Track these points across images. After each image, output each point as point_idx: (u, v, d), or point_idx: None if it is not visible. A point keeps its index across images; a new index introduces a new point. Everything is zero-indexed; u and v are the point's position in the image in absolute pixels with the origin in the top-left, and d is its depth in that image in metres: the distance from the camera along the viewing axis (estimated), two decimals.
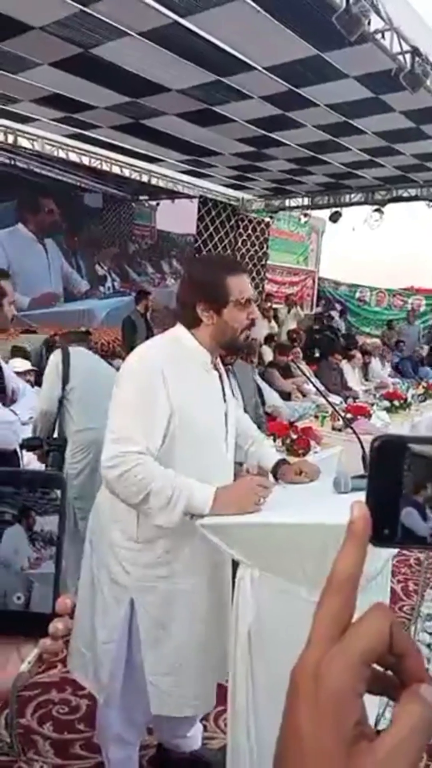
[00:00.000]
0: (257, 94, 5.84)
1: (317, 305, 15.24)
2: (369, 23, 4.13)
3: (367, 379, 8.60)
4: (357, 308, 15.81)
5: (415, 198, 9.49)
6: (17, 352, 6.06)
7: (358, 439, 2.07)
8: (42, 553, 0.54)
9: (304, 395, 6.91)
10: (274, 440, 3.68)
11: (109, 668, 1.79)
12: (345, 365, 8.00)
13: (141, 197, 10.70)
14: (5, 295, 2.26)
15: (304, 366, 7.09)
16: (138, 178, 9.56)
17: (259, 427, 2.62)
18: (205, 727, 2.25)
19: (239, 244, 11.73)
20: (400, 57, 4.64)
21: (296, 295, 13.87)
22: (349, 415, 4.82)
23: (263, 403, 3.91)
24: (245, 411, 2.64)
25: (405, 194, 9.51)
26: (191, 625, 1.76)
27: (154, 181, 9.78)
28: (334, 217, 10.28)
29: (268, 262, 12.77)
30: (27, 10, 4.46)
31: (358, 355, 8.52)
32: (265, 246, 12.39)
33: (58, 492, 0.55)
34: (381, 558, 1.53)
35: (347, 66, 5.02)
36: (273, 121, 6.63)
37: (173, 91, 5.91)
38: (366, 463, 1.95)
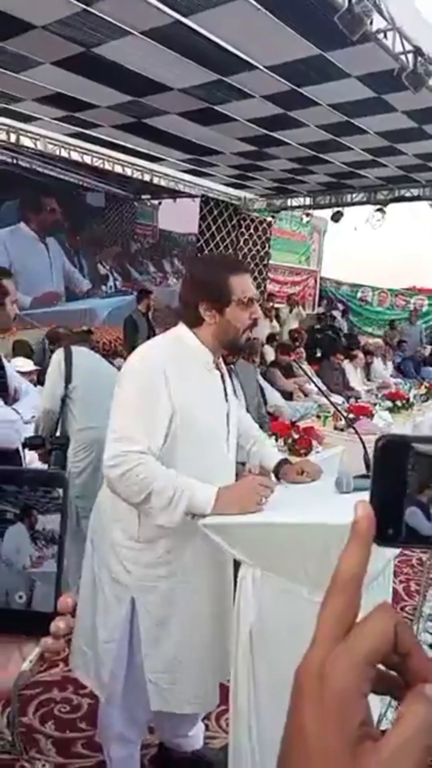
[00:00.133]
0: (259, 93, 5.84)
1: (319, 305, 15.24)
2: (371, 23, 4.13)
3: (369, 379, 8.60)
4: (359, 308, 15.80)
5: (418, 198, 9.48)
6: (20, 347, 6.06)
7: (360, 439, 2.07)
8: (44, 551, 0.54)
9: (306, 395, 6.91)
10: (276, 440, 3.68)
11: (111, 667, 1.79)
12: (347, 365, 8.00)
13: (143, 196, 10.71)
14: (7, 294, 2.26)
15: (306, 366, 7.09)
16: (140, 177, 9.57)
17: (262, 427, 2.62)
18: (206, 726, 2.25)
19: (241, 243, 11.72)
20: (403, 57, 4.63)
21: (298, 294, 13.87)
22: (351, 415, 4.82)
23: (265, 402, 3.91)
24: (247, 411, 2.64)
25: (407, 194, 9.50)
26: (192, 624, 1.76)
27: (156, 181, 9.78)
28: (336, 217, 10.27)
29: (270, 261, 12.77)
30: (29, 9, 4.46)
31: (360, 355, 8.52)
32: (267, 245, 12.38)
33: (60, 491, 0.55)
34: (384, 558, 1.53)
35: (349, 65, 5.01)
36: (275, 121, 6.62)
37: (175, 90, 5.91)
38: (368, 463, 1.95)
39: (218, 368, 1.86)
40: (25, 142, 8.05)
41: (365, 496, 0.41)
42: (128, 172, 9.39)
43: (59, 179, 9.19)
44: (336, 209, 10.24)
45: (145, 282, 10.56)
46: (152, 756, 2.17)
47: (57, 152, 8.39)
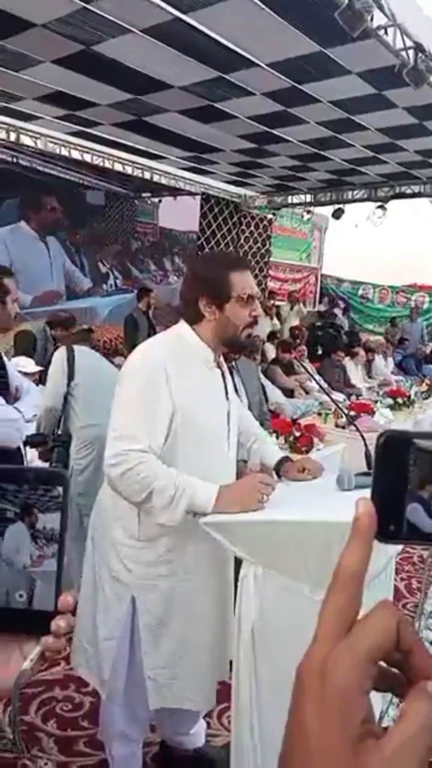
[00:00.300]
0: (259, 90, 5.83)
1: (320, 302, 15.24)
2: (372, 19, 4.11)
3: (370, 377, 8.60)
4: (360, 305, 15.80)
5: (419, 195, 9.46)
6: (23, 337, 6.04)
7: (362, 436, 2.06)
8: (44, 550, 0.54)
9: (307, 392, 6.91)
10: (277, 437, 3.69)
11: (110, 665, 1.79)
12: (348, 362, 8.00)
13: (143, 194, 10.70)
14: (8, 293, 2.26)
15: (307, 363, 7.09)
16: (140, 175, 9.55)
17: (263, 425, 2.62)
18: (208, 724, 2.25)
19: (242, 241, 11.71)
20: (404, 53, 4.62)
21: (299, 292, 13.87)
22: (352, 413, 4.82)
23: (267, 400, 3.91)
24: (249, 408, 2.64)
25: (408, 191, 9.48)
26: (192, 623, 1.76)
27: (156, 179, 9.77)
28: (337, 214, 10.25)
29: (271, 259, 12.76)
30: (29, 8, 4.46)
31: (362, 352, 8.52)
32: (267, 243, 12.37)
33: (60, 489, 0.55)
34: (385, 555, 1.53)
35: (350, 62, 5.00)
36: (275, 118, 6.61)
37: (175, 88, 5.90)
38: (369, 461, 1.95)
39: (219, 366, 1.86)
40: (26, 140, 8.04)
41: (366, 493, 0.41)
42: (128, 170, 9.37)
43: (59, 178, 9.19)
44: (337, 206, 10.23)
45: (145, 280, 10.55)
46: (154, 754, 2.18)
47: (57, 151, 8.38)
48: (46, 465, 3.18)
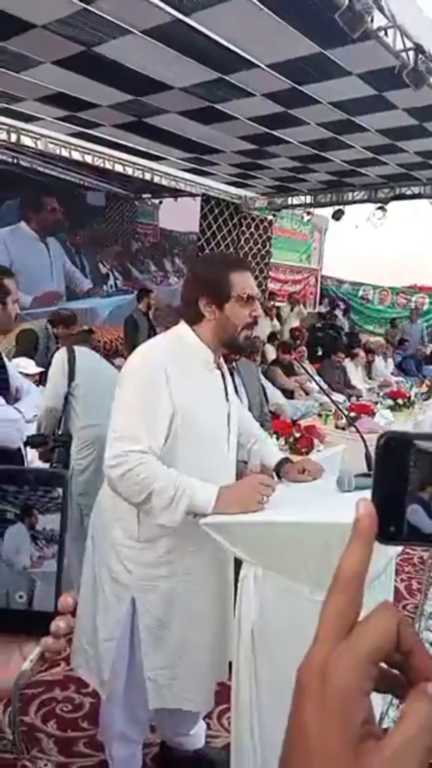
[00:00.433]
0: (260, 91, 5.83)
1: (320, 303, 15.24)
2: (372, 20, 4.11)
3: (370, 378, 8.60)
4: (360, 306, 15.80)
5: (419, 196, 9.46)
6: (24, 335, 6.03)
7: (362, 437, 2.06)
8: (44, 551, 0.54)
9: (307, 393, 6.91)
10: (278, 438, 3.69)
11: (110, 666, 1.79)
12: (348, 364, 8.00)
13: (144, 195, 10.70)
14: (9, 294, 2.26)
15: (307, 364, 7.09)
16: (141, 176, 9.56)
17: (263, 426, 2.62)
18: (208, 725, 2.25)
19: (242, 242, 11.72)
20: (404, 54, 4.62)
21: (299, 293, 13.87)
22: (352, 414, 4.82)
23: (267, 401, 3.91)
24: (249, 409, 2.64)
25: (408, 192, 9.49)
26: (192, 624, 1.76)
27: (156, 180, 9.77)
28: (337, 215, 10.25)
29: (271, 260, 12.76)
30: (29, 9, 4.46)
31: (362, 353, 8.52)
32: (267, 244, 12.37)
33: (60, 490, 0.55)
34: (385, 556, 1.53)
35: (350, 63, 5.00)
36: (275, 119, 6.61)
37: (176, 89, 5.90)
38: (369, 462, 1.95)
39: (219, 368, 1.86)
40: (26, 141, 8.05)
41: (367, 494, 0.41)
42: (129, 171, 9.38)
43: (60, 179, 9.19)
44: (337, 207, 10.23)
45: (146, 281, 10.55)
46: (154, 755, 2.17)
47: (58, 152, 8.39)
48: (47, 465, 3.19)
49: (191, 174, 9.88)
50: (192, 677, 1.77)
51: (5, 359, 2.45)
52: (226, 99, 6.10)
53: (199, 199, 10.72)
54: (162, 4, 4.22)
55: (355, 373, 8.04)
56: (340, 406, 3.23)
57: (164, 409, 1.65)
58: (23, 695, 2.38)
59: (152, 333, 6.81)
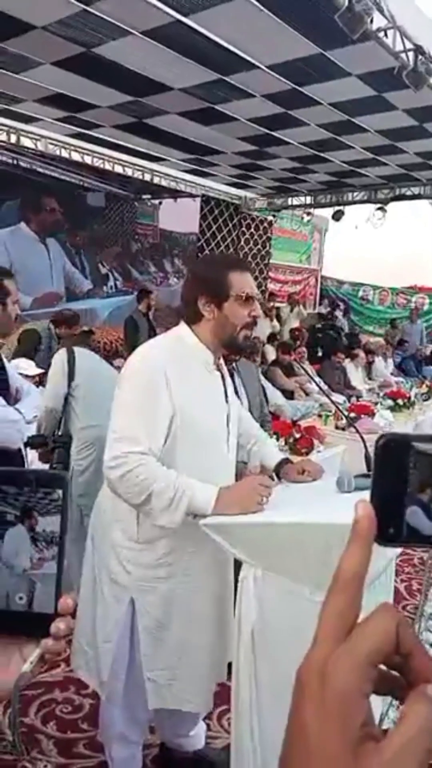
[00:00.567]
0: (259, 92, 5.83)
1: (320, 304, 15.25)
2: (372, 21, 4.11)
3: (370, 378, 8.59)
4: (360, 307, 15.80)
5: (419, 196, 9.46)
6: (27, 335, 6.03)
7: (362, 438, 2.06)
8: (44, 553, 0.54)
9: (307, 394, 6.91)
10: (277, 439, 3.69)
11: (109, 667, 1.79)
12: (348, 364, 8.00)
13: (144, 196, 10.71)
14: (9, 295, 2.26)
15: (307, 365, 7.09)
16: (140, 177, 9.56)
17: (263, 427, 2.62)
18: (208, 726, 2.25)
19: (242, 242, 11.72)
20: (403, 55, 4.62)
21: (299, 293, 13.87)
22: (352, 414, 4.82)
23: (267, 402, 3.91)
24: (250, 410, 2.64)
25: (408, 193, 9.49)
26: (192, 625, 1.76)
27: (156, 180, 9.78)
28: (337, 216, 10.25)
29: (271, 261, 12.76)
30: (29, 10, 4.46)
31: (362, 354, 8.52)
32: (267, 245, 12.38)
33: (60, 492, 0.55)
34: (385, 557, 1.53)
35: (350, 64, 5.00)
36: (275, 120, 6.62)
37: (176, 90, 5.90)
38: (369, 463, 1.94)
39: (219, 369, 1.86)
40: (26, 142, 8.05)
41: (366, 495, 0.41)
42: (129, 172, 9.38)
43: (60, 179, 9.19)
44: (337, 208, 10.23)
45: (145, 282, 10.55)
46: (154, 756, 2.17)
47: (57, 152, 8.39)
48: (47, 466, 3.19)
49: (191, 175, 9.89)
50: (191, 678, 1.77)
51: (5, 360, 2.45)
52: (226, 100, 6.10)
53: (198, 199, 10.73)
54: (162, 5, 4.22)
55: (355, 374, 8.04)
56: (340, 407, 3.23)
57: (164, 411, 1.65)
58: (23, 696, 2.38)
59: (152, 334, 6.81)
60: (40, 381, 4.25)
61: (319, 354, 9.14)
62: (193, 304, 1.75)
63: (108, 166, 9.04)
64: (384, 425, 4.71)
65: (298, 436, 3.88)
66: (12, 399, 2.35)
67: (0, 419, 2.19)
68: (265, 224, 12.21)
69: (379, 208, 9.72)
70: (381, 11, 4.19)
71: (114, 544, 1.78)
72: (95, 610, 1.83)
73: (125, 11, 4.36)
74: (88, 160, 8.76)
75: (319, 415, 5.47)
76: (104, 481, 1.75)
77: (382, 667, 0.36)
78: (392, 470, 0.41)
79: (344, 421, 4.64)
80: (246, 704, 1.53)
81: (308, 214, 11.39)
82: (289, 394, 6.65)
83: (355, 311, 15.56)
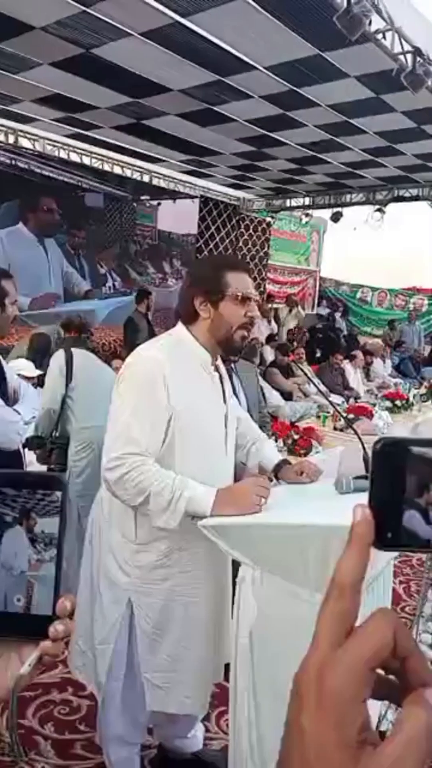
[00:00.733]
0: (258, 93, 5.84)
1: (319, 305, 15.25)
2: (370, 23, 4.12)
3: (369, 379, 8.60)
4: (358, 308, 15.81)
5: (417, 198, 9.48)
6: (38, 339, 6.02)
7: (360, 439, 2.06)
8: (42, 555, 0.54)
9: (305, 395, 6.91)
10: (276, 440, 3.69)
11: (107, 668, 1.79)
12: (346, 365, 8.00)
13: (142, 197, 10.71)
14: (7, 295, 2.26)
15: (305, 366, 7.10)
16: (139, 178, 9.56)
17: (262, 427, 2.62)
18: (206, 727, 2.25)
19: (240, 244, 11.73)
20: (402, 57, 4.63)
21: (297, 294, 13.87)
22: (350, 416, 4.82)
23: (265, 403, 3.91)
24: (248, 411, 2.64)
25: (406, 194, 9.50)
26: (189, 626, 1.76)
27: (155, 181, 9.78)
28: (336, 217, 10.26)
29: (270, 262, 12.77)
30: (28, 10, 4.46)
31: (360, 355, 8.52)
32: (266, 246, 12.39)
33: (59, 494, 0.55)
34: (383, 559, 1.53)
35: (348, 66, 5.01)
36: (274, 121, 6.62)
37: (174, 91, 5.90)
38: (367, 464, 1.94)
39: (217, 369, 1.85)
40: (24, 143, 8.04)
41: (365, 496, 0.41)
42: (127, 173, 9.38)
43: (58, 180, 9.18)
44: (335, 209, 10.24)
45: (144, 283, 10.55)
46: (152, 758, 2.17)
47: (56, 153, 8.39)
48: (45, 467, 3.19)
49: (189, 176, 9.89)
50: (189, 680, 1.77)
51: (3, 362, 2.45)
52: (224, 101, 6.11)
53: (197, 200, 10.73)
54: (161, 7, 4.22)
55: (354, 375, 8.04)
56: (338, 408, 3.23)
57: (162, 412, 1.65)
58: (21, 698, 2.38)
59: (152, 334, 6.80)
60: (39, 382, 4.25)
61: (318, 355, 9.15)
62: (190, 303, 1.76)
63: (107, 167, 9.04)
64: (382, 426, 4.71)
65: (296, 437, 3.88)
66: (10, 400, 2.34)
67: None
68: (264, 225, 12.22)
69: (377, 210, 9.73)
70: (379, 13, 4.19)
71: (112, 545, 1.78)
72: (93, 612, 1.82)
73: (124, 12, 4.36)
74: (86, 160, 8.76)
75: (318, 417, 5.48)
76: (102, 481, 1.75)
77: (380, 671, 0.36)
78: (390, 474, 0.41)
79: (342, 422, 4.65)
80: (244, 706, 1.53)
81: (307, 215, 11.41)
82: (287, 395, 6.66)
83: (353, 312, 15.57)
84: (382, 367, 9.32)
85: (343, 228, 10.69)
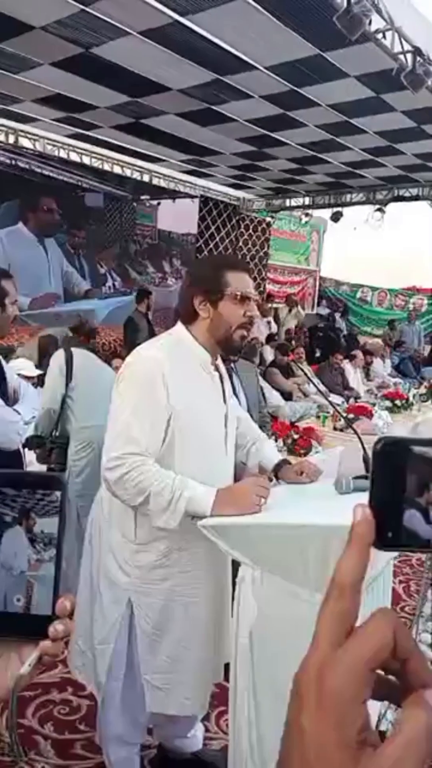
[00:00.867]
0: (258, 93, 5.84)
1: (318, 305, 15.26)
2: (370, 23, 4.12)
3: (368, 379, 8.60)
4: (358, 308, 15.81)
5: (417, 198, 9.48)
6: (47, 342, 6.03)
7: (359, 439, 2.06)
8: (42, 554, 0.54)
9: (305, 395, 6.91)
10: (276, 440, 3.69)
11: (107, 668, 1.79)
12: (346, 365, 8.00)
13: (142, 197, 10.71)
14: (7, 295, 2.25)
15: (305, 366, 7.10)
16: (139, 177, 9.57)
17: (262, 427, 2.62)
18: (206, 727, 2.25)
19: (240, 243, 11.73)
20: (402, 56, 4.63)
21: (297, 294, 13.88)
22: (350, 415, 4.82)
23: (265, 403, 3.91)
24: (249, 411, 2.64)
25: (406, 194, 9.50)
26: (189, 627, 1.76)
27: (155, 181, 9.78)
28: (336, 217, 10.26)
29: (270, 261, 12.77)
30: (28, 10, 4.46)
31: (360, 355, 8.53)
32: (266, 246, 12.39)
33: (58, 494, 0.55)
34: (383, 558, 1.53)
35: (348, 65, 5.01)
36: (274, 121, 6.62)
37: (174, 91, 5.90)
38: (367, 464, 1.94)
39: (217, 369, 1.85)
40: (24, 143, 8.05)
41: (365, 496, 0.41)
42: (127, 172, 9.39)
43: (58, 180, 9.18)
44: (335, 209, 10.24)
45: (144, 282, 10.55)
46: (152, 757, 2.17)
47: (56, 153, 8.39)
48: (45, 467, 3.19)
49: (189, 175, 9.89)
50: (189, 680, 1.77)
51: (3, 361, 2.45)
52: (224, 101, 6.11)
53: (197, 200, 10.73)
54: (160, 6, 4.22)
55: (353, 375, 8.04)
56: (338, 408, 3.23)
57: (162, 411, 1.65)
58: (21, 697, 2.38)
59: (152, 334, 6.80)
60: (39, 382, 4.25)
61: (318, 355, 9.14)
62: (190, 303, 1.76)
63: (106, 167, 9.04)
64: (382, 426, 4.71)
65: (296, 437, 3.88)
66: (10, 400, 2.34)
67: None
68: (264, 225, 12.22)
69: (377, 210, 9.73)
70: (379, 13, 4.19)
71: (112, 545, 1.78)
72: (93, 611, 1.82)
73: (124, 12, 4.36)
74: (86, 160, 8.76)
75: (318, 416, 5.47)
76: (102, 481, 1.75)
77: (380, 672, 0.36)
78: (390, 474, 0.40)
79: (342, 422, 4.65)
80: (244, 706, 1.53)
81: (307, 215, 11.41)
82: (287, 395, 6.66)
83: (353, 312, 15.57)
84: (382, 367, 9.32)
85: (343, 228, 10.71)
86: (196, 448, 1.71)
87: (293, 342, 8.26)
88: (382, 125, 6.54)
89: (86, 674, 1.90)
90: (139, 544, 1.73)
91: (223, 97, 5.99)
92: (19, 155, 8.49)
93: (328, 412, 5.26)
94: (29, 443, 3.08)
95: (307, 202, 10.86)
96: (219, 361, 1.88)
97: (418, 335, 12.46)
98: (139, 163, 9.20)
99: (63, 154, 8.45)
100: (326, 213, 10.91)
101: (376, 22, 4.26)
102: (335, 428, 4.91)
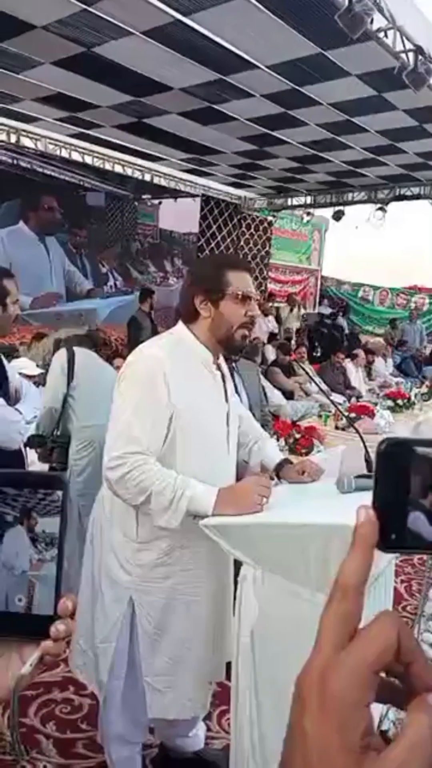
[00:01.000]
0: (259, 92, 5.84)
1: (320, 304, 15.26)
2: (371, 21, 4.11)
3: (370, 378, 8.59)
4: (360, 307, 15.81)
5: (419, 196, 9.47)
6: (58, 346, 6.03)
7: (361, 438, 2.06)
8: (43, 554, 0.54)
9: (307, 394, 6.91)
10: (277, 439, 3.69)
11: (108, 667, 1.79)
12: (348, 364, 8.00)
13: (143, 196, 10.71)
14: (9, 294, 2.25)
15: (306, 365, 7.10)
16: (140, 177, 9.57)
17: (264, 427, 2.61)
18: (208, 726, 2.25)
19: (242, 242, 11.73)
20: (403, 55, 4.62)
21: (299, 293, 13.87)
22: (352, 415, 4.82)
23: (267, 402, 3.91)
24: (250, 410, 2.64)
25: (408, 193, 9.50)
26: (190, 626, 1.76)
27: (156, 180, 9.79)
28: (337, 216, 10.26)
29: (271, 261, 12.77)
30: (29, 9, 4.46)
31: (362, 354, 8.52)
32: (267, 245, 12.39)
33: (60, 493, 0.54)
34: (385, 558, 1.53)
35: (350, 64, 5.01)
36: (275, 120, 6.62)
37: (175, 90, 5.90)
38: (369, 463, 1.94)
39: (219, 368, 1.85)
40: (26, 142, 8.06)
41: (366, 495, 0.40)
42: (129, 171, 9.40)
43: (59, 179, 9.19)
44: (337, 208, 10.23)
45: (145, 282, 10.55)
46: (153, 756, 2.17)
47: (57, 152, 8.41)
48: (46, 466, 3.19)
49: (191, 174, 9.89)
50: (190, 681, 1.77)
51: (4, 361, 2.45)
52: (225, 100, 6.11)
53: (198, 199, 10.73)
54: (162, 5, 4.22)
55: (355, 374, 8.04)
56: (340, 407, 3.23)
57: (163, 410, 1.65)
58: (22, 697, 2.38)
59: (155, 333, 6.80)
60: (41, 381, 4.26)
61: (319, 354, 9.14)
62: (191, 302, 1.75)
63: (108, 166, 9.05)
64: (384, 425, 4.71)
65: (298, 436, 3.88)
66: (12, 399, 2.34)
67: (0, 419, 2.19)
68: (265, 224, 12.22)
69: (379, 209, 9.72)
70: (381, 11, 4.19)
71: (113, 544, 1.78)
72: (94, 611, 1.82)
73: (125, 11, 4.36)
74: (88, 159, 8.77)
75: (319, 416, 5.47)
76: (103, 480, 1.75)
77: (383, 674, 0.36)
78: (394, 475, 0.40)
79: (344, 421, 4.64)
80: (245, 705, 1.53)
81: (308, 214, 11.40)
82: (289, 395, 6.66)
83: (355, 311, 15.56)
84: (384, 366, 9.31)
85: (345, 227, 10.70)
86: (197, 447, 1.71)
87: (293, 341, 8.26)
88: (383, 124, 6.54)
89: (87, 673, 1.90)
90: (140, 542, 1.73)
91: (224, 96, 5.99)
92: (20, 155, 8.50)
93: (329, 412, 5.26)
94: (31, 442, 3.07)
95: (308, 201, 10.85)
96: (221, 360, 1.87)
97: (419, 334, 12.45)
98: (141, 162, 9.20)
99: (64, 153, 8.46)
100: (328, 212, 10.90)
101: (378, 21, 4.25)
102: (337, 427, 4.91)
